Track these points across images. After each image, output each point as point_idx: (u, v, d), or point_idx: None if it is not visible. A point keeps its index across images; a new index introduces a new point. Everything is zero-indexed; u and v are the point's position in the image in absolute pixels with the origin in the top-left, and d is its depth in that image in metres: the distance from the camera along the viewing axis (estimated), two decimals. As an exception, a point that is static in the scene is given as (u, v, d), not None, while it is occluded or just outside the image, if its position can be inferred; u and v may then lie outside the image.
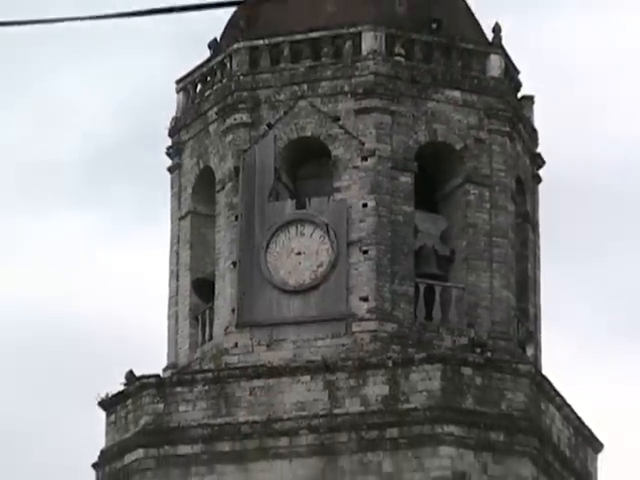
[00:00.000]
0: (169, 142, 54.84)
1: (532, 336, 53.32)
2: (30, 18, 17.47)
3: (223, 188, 51.90)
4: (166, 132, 55.44)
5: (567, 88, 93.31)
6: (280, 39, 52.33)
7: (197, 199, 53.11)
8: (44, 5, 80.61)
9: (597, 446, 54.13)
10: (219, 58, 54.14)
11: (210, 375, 49.58)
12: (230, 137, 52.21)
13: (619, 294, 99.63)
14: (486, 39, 54.10)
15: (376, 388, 48.17)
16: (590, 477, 54.08)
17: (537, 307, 54.14)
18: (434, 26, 51.88)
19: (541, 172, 55.79)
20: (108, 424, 51.40)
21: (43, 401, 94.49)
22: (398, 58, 51.39)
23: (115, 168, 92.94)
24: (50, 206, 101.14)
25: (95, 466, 51.49)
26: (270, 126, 51.92)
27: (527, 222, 54.54)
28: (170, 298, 53.03)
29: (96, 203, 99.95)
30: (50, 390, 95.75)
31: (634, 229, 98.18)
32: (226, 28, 55.15)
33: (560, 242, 74.73)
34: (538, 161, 55.18)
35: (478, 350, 49.01)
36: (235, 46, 53.30)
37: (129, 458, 49.55)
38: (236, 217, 51.00)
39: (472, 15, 55.18)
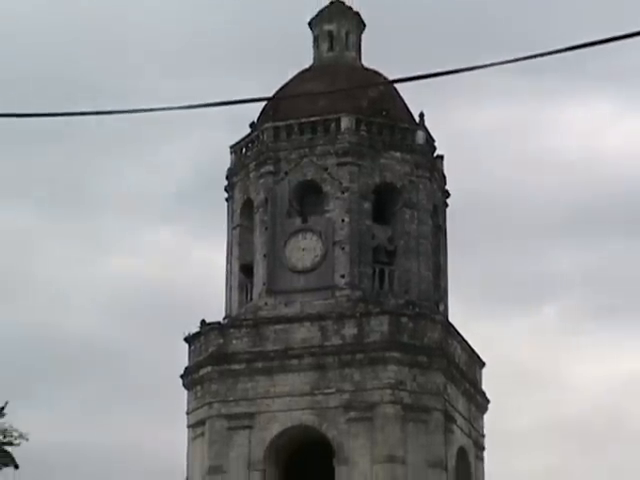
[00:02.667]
0: (226, 183, 57.99)
1: (442, 299, 57.57)
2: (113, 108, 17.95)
3: (258, 210, 55.61)
4: (224, 176, 58.61)
5: (466, 151, 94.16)
6: (292, 121, 55.50)
7: (243, 217, 56.89)
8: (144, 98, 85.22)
9: (481, 364, 58.86)
10: (255, 133, 57.23)
11: (250, 322, 54.32)
12: (262, 180, 55.21)
13: (492, 273, 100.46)
14: (414, 120, 57.72)
15: (350, 330, 52.32)
16: (477, 383, 58.13)
17: (445, 282, 58.12)
18: (384, 113, 55.53)
19: (448, 200, 59.58)
20: (190, 352, 55.29)
21: (147, 336, 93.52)
22: (362, 133, 54.57)
23: (195, 199, 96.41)
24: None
25: (182, 377, 54.91)
26: (286, 174, 54.87)
27: (440, 231, 58.45)
28: (227, 277, 57.10)
29: (184, 220, 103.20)
30: (151, 329, 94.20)
31: (503, 236, 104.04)
32: (260, 114, 57.62)
33: (460, 243, 75.31)
34: (446, 194, 59.36)
35: (411, 307, 53.88)
36: (265, 125, 55.74)
37: (202, 372, 53.43)
38: (266, 228, 55.04)
39: (406, 106, 58.29)
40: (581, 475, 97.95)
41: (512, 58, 14.13)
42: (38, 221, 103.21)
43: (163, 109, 17.47)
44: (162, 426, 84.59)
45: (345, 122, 54.84)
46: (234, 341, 53.74)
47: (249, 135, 57.06)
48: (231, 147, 57.77)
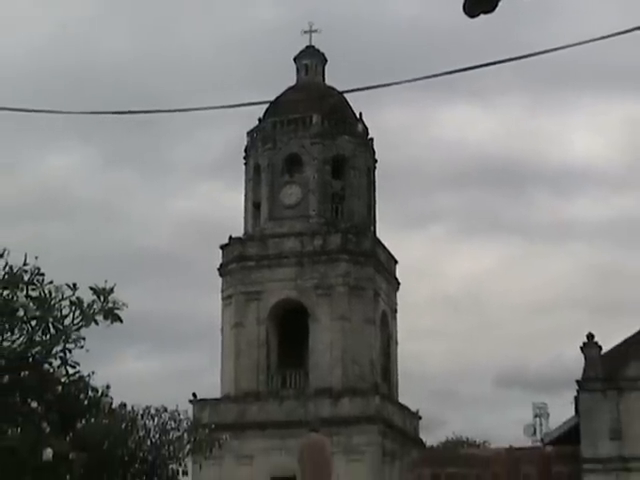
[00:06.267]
0: (244, 154, 56.83)
1: (372, 224, 56.18)
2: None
3: (263, 171, 55.16)
4: (243, 150, 57.09)
5: (386, 135, 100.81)
6: (284, 117, 55.38)
7: (254, 175, 56.23)
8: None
9: (395, 261, 57.68)
10: (262, 124, 56.23)
11: (258, 237, 54.37)
12: (265, 153, 55.26)
13: (403, 208, 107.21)
14: (356, 117, 57.16)
15: (318, 242, 52.95)
16: (393, 273, 57.16)
17: (374, 213, 57.24)
18: (338, 113, 55.30)
19: (377, 165, 58.37)
20: (223, 255, 54.84)
21: (201, 247, 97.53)
22: (325, 125, 55.17)
23: (227, 164, 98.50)
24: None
25: (218, 270, 54.22)
26: (280, 149, 55.25)
27: (371, 183, 57.23)
28: (245, 210, 56.59)
29: (222, 177, 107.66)
30: (203, 243, 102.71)
31: (411, 185, 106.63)
32: (264, 113, 56.04)
33: (384, 190, 74.82)
34: (375, 161, 58.14)
35: (353, 229, 53.89)
36: (267, 120, 55.77)
37: (230, 267, 53.88)
38: (268, 181, 54.98)
39: (351, 108, 57.33)
40: (453, 334, 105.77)
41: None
42: (130, 175, 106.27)
43: (201, 109, 15.98)
44: (206, 299, 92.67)
45: (315, 118, 55.28)
46: (249, 249, 54.44)
47: (258, 126, 57.06)
48: (247, 133, 57.10)
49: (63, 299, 19.41)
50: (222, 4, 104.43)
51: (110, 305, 19.54)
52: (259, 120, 56.83)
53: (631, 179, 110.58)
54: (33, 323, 19.23)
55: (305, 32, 58.12)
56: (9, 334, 19.06)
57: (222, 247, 55.00)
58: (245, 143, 57.37)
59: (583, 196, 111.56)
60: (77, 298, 19.51)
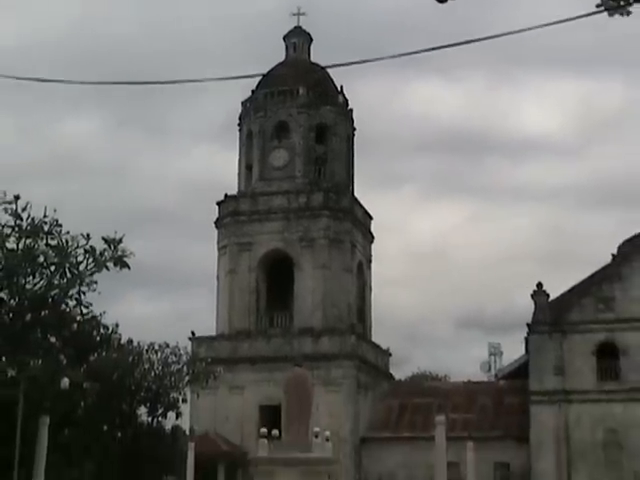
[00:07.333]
0: (238, 122, 55.70)
1: (351, 183, 55.55)
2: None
3: (255, 136, 54.23)
4: (238, 118, 55.77)
5: (363, 106, 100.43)
6: (274, 89, 54.81)
7: (247, 140, 55.26)
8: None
9: (370, 218, 56.55)
10: (254, 95, 55.46)
11: (250, 195, 53.29)
12: (257, 120, 54.38)
13: (378, 169, 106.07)
14: (337, 89, 56.21)
15: (302, 199, 52.14)
16: (369, 227, 56.35)
17: (352, 174, 56.41)
18: (321, 88, 54.25)
19: (355, 132, 57.08)
20: (219, 210, 53.57)
21: (198, 203, 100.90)
22: (310, 96, 54.06)
23: (224, 130, 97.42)
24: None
25: (215, 223, 53.31)
26: (270, 117, 54.26)
27: (350, 148, 56.43)
28: (239, 171, 55.57)
29: (220, 141, 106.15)
30: (199, 198, 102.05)
31: (386, 150, 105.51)
32: (257, 85, 55.57)
33: (361, 154, 75.84)
34: (354, 129, 57.04)
35: (334, 188, 52.87)
36: (259, 91, 54.88)
37: (225, 220, 53.12)
38: (259, 145, 53.96)
39: (333, 82, 56.31)
40: (421, 282, 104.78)
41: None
42: (144, 140, 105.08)
43: (201, 80, 14.94)
44: (203, 249, 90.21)
45: (301, 90, 54.43)
46: (241, 205, 53.70)
47: (251, 96, 56.20)
48: (242, 102, 56.44)
49: (78, 247, 19.73)
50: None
51: (119, 253, 19.74)
52: (252, 91, 56.19)
53: (579, 149, 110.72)
54: (52, 268, 19.49)
55: (293, 14, 57.67)
56: (31, 278, 19.32)
57: (218, 203, 54.39)
58: (240, 112, 56.55)
59: (536, 163, 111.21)
60: (91, 247, 19.70)
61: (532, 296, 48.13)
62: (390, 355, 56.95)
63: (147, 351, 33.81)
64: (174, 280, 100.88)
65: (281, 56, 58.50)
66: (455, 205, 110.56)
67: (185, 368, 34.73)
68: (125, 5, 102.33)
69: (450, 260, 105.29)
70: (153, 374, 33.44)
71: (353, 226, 53.65)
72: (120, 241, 19.40)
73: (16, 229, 18.28)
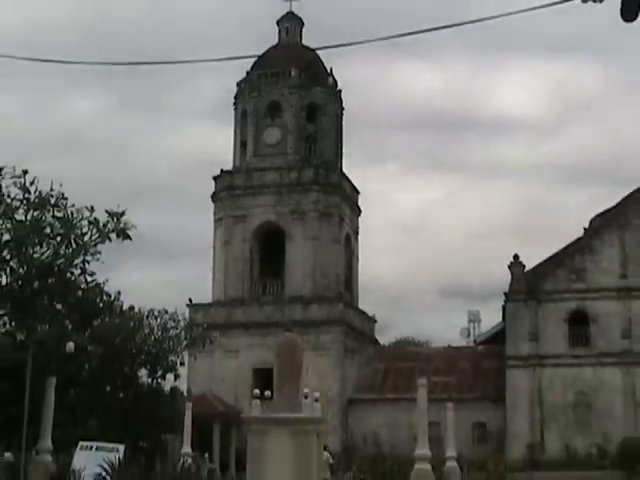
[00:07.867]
0: (234, 101, 55.23)
1: (340, 160, 55.18)
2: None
3: (249, 115, 53.91)
4: (233, 97, 55.20)
5: (352, 87, 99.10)
6: (267, 71, 54.23)
7: (242, 118, 54.73)
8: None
9: (358, 192, 56.64)
10: (249, 76, 54.87)
11: (244, 170, 52.83)
12: (252, 100, 53.86)
13: (364, 146, 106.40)
14: (327, 71, 55.77)
15: (293, 175, 52.14)
16: (356, 201, 55.99)
17: (341, 151, 56.02)
18: (312, 70, 53.60)
19: (344, 112, 56.50)
20: (215, 184, 53.63)
21: (196, 179, 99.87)
22: (302, 77, 53.54)
23: (222, 108, 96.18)
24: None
25: (211, 197, 52.95)
26: (263, 97, 53.67)
27: (339, 126, 55.85)
28: (234, 148, 54.77)
29: (218, 118, 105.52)
30: (197, 174, 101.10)
31: (373, 128, 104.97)
32: (252, 67, 54.88)
33: (349, 132, 73.67)
34: (343, 108, 56.29)
35: (323, 164, 52.72)
36: (254, 73, 54.35)
37: (220, 194, 52.61)
38: (253, 123, 53.65)
39: (323, 64, 55.71)
40: (405, 253, 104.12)
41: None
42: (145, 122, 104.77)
43: (199, 61, 14.98)
44: (200, 221, 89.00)
45: (293, 72, 54.50)
46: (236, 180, 53.55)
47: (245, 77, 55.84)
48: (237, 83, 56.23)
49: (83, 219, 19.63)
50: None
51: (122, 225, 19.68)
52: (247, 73, 55.90)
53: (555, 129, 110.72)
54: (58, 239, 19.43)
55: (286, 0, 57.46)
56: (38, 248, 19.25)
57: (214, 178, 54.27)
58: (235, 92, 56.31)
59: (513, 141, 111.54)
60: (94, 219, 19.64)
61: (509, 267, 48.30)
62: (375, 322, 57.03)
63: (147, 317, 33.87)
64: (172, 251, 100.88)
65: (274, 39, 58.17)
66: (437, 180, 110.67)
67: (183, 333, 34.81)
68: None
69: (433, 232, 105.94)
70: (153, 338, 33.55)
71: (341, 200, 53.66)
72: (122, 214, 19.39)
73: (24, 202, 18.22)
